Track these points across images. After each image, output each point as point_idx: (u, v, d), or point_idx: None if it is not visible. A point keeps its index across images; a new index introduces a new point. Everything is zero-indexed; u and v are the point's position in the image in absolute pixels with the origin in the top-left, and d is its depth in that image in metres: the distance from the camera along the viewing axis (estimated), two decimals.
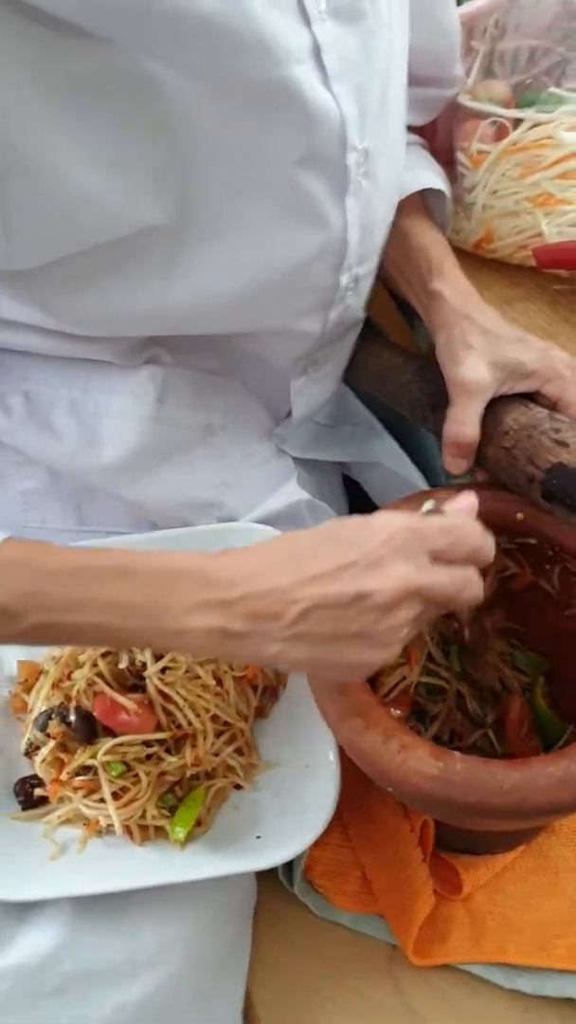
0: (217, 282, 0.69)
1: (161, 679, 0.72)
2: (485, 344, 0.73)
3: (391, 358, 0.84)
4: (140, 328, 0.75)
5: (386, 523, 0.55)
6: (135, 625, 0.56)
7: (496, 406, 0.73)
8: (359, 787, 0.78)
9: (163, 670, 0.73)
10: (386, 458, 0.92)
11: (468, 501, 0.61)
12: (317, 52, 0.62)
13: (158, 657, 0.73)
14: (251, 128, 0.62)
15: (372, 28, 0.66)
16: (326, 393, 0.88)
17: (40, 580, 0.56)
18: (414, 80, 0.78)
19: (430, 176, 0.86)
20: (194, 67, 0.58)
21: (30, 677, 0.78)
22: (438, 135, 0.92)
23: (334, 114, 0.64)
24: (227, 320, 0.74)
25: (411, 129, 0.89)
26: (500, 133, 0.86)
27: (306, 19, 0.61)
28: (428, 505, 0.60)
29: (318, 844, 0.78)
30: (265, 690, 0.78)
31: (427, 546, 0.55)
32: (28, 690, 0.78)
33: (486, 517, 0.73)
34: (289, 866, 0.78)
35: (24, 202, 0.61)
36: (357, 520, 0.56)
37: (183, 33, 0.56)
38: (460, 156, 0.89)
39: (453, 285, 0.78)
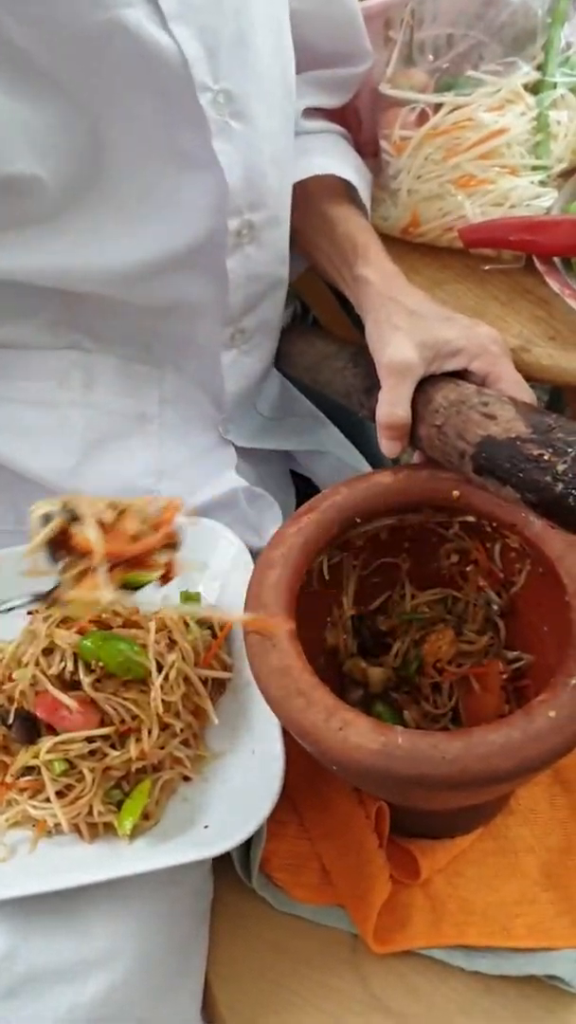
0: (102, 233, 0.70)
1: (95, 687, 0.72)
2: (411, 325, 0.73)
3: (325, 347, 0.84)
4: (46, 283, 0.75)
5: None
6: None
7: (426, 385, 0.73)
8: (315, 777, 0.78)
9: (97, 680, 0.72)
10: (333, 446, 0.92)
11: None
12: None
13: (89, 666, 0.72)
14: (101, 79, 0.63)
15: None
16: (260, 366, 0.87)
17: None
18: (321, 60, 0.78)
19: (340, 165, 0.85)
20: (34, 16, 0.59)
21: None
22: (363, 126, 0.93)
23: (174, 54, 0.64)
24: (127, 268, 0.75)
25: (335, 119, 0.89)
26: (421, 119, 0.86)
27: None
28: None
29: (275, 837, 0.77)
30: (213, 683, 0.78)
31: None
32: None
33: (423, 497, 0.74)
34: (247, 860, 0.77)
35: None
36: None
37: None
38: (383, 144, 0.89)
39: (378, 268, 0.78)
